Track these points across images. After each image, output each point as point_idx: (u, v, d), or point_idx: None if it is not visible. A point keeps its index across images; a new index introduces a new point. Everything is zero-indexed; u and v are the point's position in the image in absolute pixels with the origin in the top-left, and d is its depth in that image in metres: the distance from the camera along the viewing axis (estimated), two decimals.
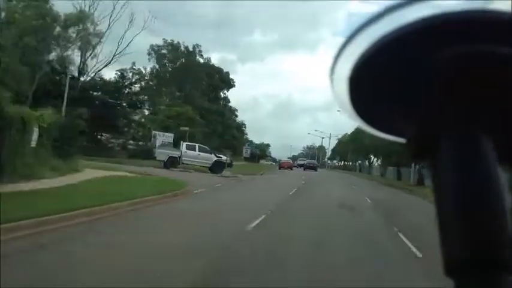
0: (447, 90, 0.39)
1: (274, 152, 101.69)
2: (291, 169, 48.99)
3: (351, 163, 72.98)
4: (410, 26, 0.37)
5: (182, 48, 47.93)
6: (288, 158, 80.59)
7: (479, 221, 0.38)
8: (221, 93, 61.60)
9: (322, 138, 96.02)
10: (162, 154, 26.60)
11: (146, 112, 40.62)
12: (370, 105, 0.43)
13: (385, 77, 0.41)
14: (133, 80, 31.43)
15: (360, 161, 61.08)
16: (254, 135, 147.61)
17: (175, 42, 47.07)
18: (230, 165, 28.26)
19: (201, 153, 27.42)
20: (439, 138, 0.40)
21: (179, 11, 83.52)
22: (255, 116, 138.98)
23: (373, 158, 52.49)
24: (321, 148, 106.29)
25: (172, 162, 26.18)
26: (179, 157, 26.78)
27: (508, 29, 0.36)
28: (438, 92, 0.39)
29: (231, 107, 67.18)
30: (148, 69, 47.43)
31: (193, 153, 27.24)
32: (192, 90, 46.44)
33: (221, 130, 55.76)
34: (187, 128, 31.34)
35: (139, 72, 46.82)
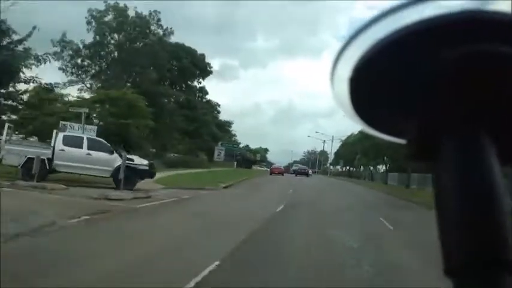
0: (448, 91, 0.38)
1: (274, 157, 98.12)
2: (282, 175, 45.09)
3: (358, 169, 60.24)
4: (410, 28, 0.37)
5: (132, 14, 35.44)
6: (289, 163, 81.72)
7: (481, 222, 0.37)
8: (195, 81, 49.21)
9: (324, 141, 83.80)
10: (11, 155, 14.03)
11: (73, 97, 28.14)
12: (370, 106, 0.43)
13: (385, 79, 0.40)
14: (18, 38, 19.35)
15: (371, 167, 48.43)
16: (256, 141, 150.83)
17: (122, 4, 34.56)
18: (150, 173, 15.72)
19: (93, 153, 14.89)
20: (440, 139, 0.39)
21: (178, 14, 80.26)
22: (257, 121, 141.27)
23: (388, 161, 39.86)
24: (323, 153, 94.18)
25: (30, 170, 13.56)
26: (49, 160, 14.24)
27: (509, 29, 0.36)
28: (439, 93, 0.39)
29: (210, 100, 54.90)
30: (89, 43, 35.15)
31: (77, 153, 14.71)
32: (144, 71, 33.91)
33: (191, 127, 43.33)
34: (85, 110, 18.81)
35: (73, 47, 34.51)
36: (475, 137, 0.39)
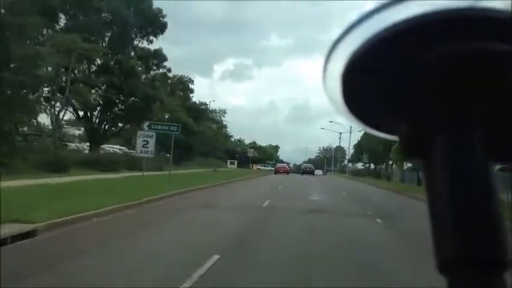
0: (439, 88, 0.38)
1: (288, 156, 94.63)
2: (287, 174, 49.12)
3: (393, 165, 42.67)
4: (401, 25, 0.37)
5: None
6: (304, 161, 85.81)
7: (473, 219, 0.37)
8: (145, 39, 32.56)
9: (340, 133, 66.52)
10: None
11: None
12: (362, 102, 0.43)
13: (376, 76, 0.40)
14: None
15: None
16: (271, 139, 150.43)
17: None
18: None
19: None
20: (432, 136, 0.39)
21: (191, 15, 68.62)
22: (272, 120, 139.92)
23: None
24: (339, 149, 77.11)
25: None
26: None
27: (499, 26, 0.37)
28: (430, 91, 0.39)
29: (169, 69, 38.01)
30: None
31: None
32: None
33: (124, 105, 26.94)
34: None
35: None
36: (467, 135, 0.39)
